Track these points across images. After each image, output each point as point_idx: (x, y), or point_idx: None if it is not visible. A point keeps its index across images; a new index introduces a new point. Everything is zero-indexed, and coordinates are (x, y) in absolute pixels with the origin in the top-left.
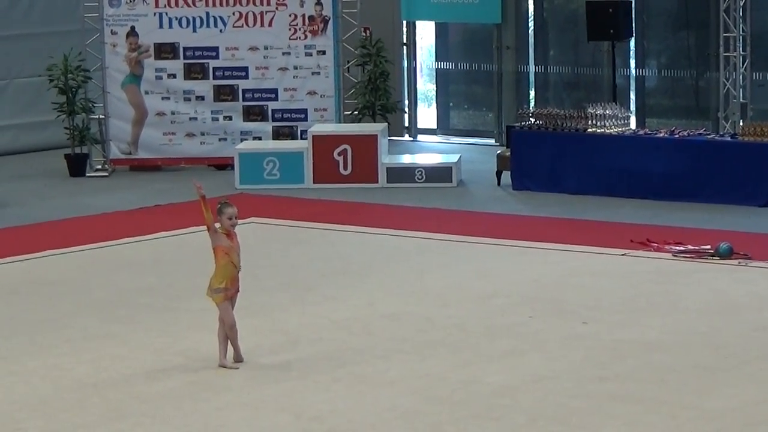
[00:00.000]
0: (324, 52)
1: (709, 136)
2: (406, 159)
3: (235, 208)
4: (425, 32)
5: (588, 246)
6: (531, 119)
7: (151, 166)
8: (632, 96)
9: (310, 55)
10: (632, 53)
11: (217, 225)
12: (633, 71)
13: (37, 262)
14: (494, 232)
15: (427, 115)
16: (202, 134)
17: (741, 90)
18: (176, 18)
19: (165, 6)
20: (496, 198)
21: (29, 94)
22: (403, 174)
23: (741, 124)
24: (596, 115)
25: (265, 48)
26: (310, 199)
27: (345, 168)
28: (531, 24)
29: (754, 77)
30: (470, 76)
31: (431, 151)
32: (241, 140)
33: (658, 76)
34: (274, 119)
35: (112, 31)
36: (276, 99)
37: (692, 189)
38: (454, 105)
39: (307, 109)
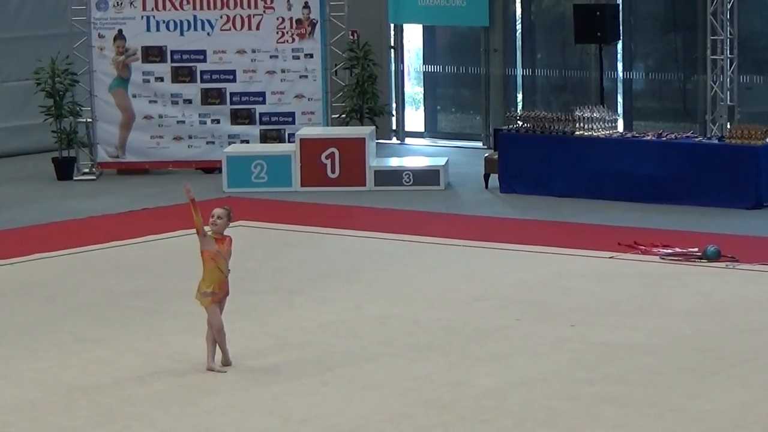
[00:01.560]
0: (311, 56)
1: (696, 139)
2: (394, 162)
3: (223, 209)
4: (413, 35)
5: (575, 249)
6: (518, 122)
7: (138, 169)
8: (620, 99)
9: (298, 58)
10: (620, 56)
11: (208, 229)
12: (620, 74)
13: (25, 265)
14: (482, 235)
15: (414, 118)
16: (190, 137)
17: (728, 93)
18: (164, 21)
19: (152, 9)
20: (484, 201)
21: (17, 97)
22: (390, 177)
23: (728, 126)
24: (584, 118)
25: (253, 51)
26: (297, 202)
27: (333, 171)
28: (518, 27)
29: (741, 80)
30: (458, 79)
31: (419, 154)
32: (229, 143)
33: (645, 78)
34: (261, 122)
35: (99, 34)
36: (264, 102)
37: (680, 192)
38: (442, 108)
39: (294, 113)
